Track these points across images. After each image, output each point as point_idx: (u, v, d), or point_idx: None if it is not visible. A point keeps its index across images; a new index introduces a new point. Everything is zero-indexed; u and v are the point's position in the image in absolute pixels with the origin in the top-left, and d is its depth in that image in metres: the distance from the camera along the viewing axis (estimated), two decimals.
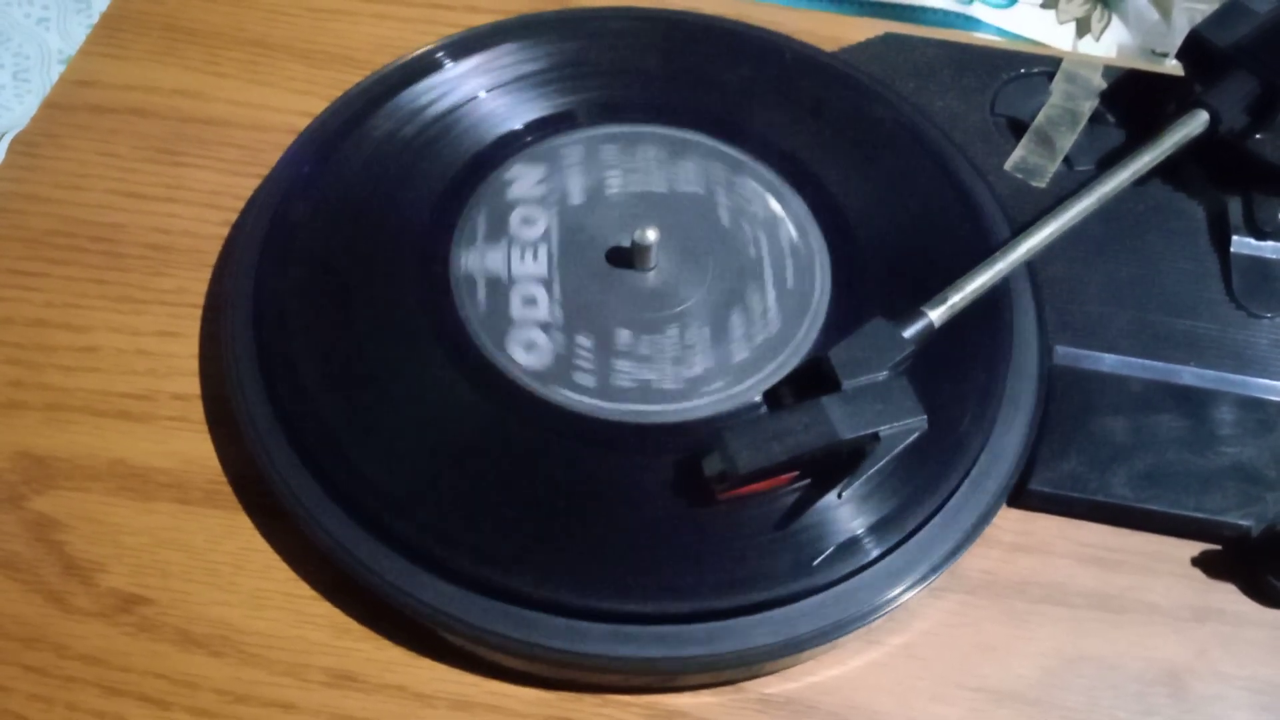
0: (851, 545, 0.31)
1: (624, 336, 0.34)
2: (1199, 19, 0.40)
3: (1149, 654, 0.33)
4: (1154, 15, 0.61)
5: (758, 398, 0.34)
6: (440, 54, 0.40)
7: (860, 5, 0.61)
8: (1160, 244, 0.39)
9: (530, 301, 0.35)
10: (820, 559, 0.30)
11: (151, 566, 0.33)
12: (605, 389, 0.33)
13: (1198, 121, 0.38)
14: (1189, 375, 0.36)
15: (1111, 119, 0.42)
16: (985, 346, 0.35)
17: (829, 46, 0.43)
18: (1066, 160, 0.40)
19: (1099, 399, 0.35)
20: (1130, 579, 0.34)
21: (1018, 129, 0.41)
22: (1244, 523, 0.33)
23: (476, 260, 0.36)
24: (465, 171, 0.38)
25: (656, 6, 0.43)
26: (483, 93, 0.39)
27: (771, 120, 0.40)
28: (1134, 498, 0.34)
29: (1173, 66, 0.42)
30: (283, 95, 0.43)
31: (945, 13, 0.61)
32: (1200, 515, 0.33)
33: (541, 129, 0.39)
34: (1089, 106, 0.42)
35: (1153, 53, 0.61)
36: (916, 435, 0.31)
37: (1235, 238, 0.39)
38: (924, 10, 0.61)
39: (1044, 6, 0.63)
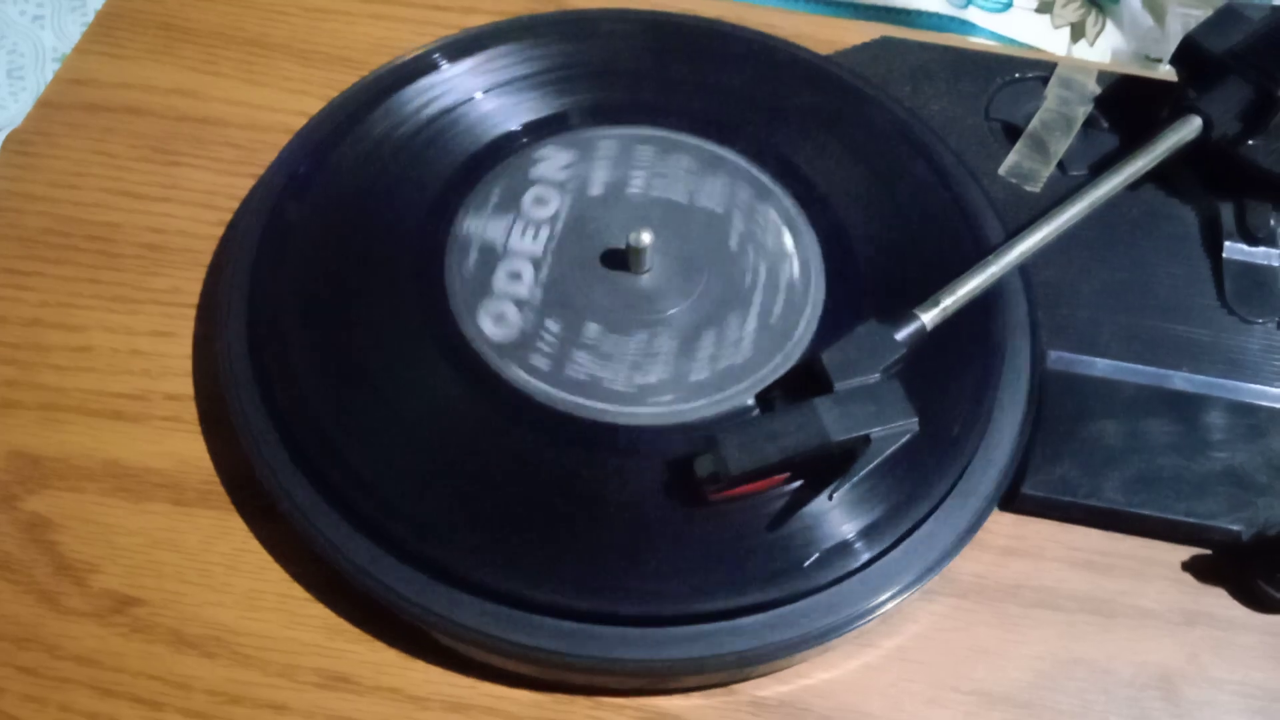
0: (843, 548, 0.31)
1: (592, 330, 0.34)
2: (1193, 25, 0.41)
3: (1141, 658, 0.33)
4: (1148, 21, 0.61)
5: (715, 412, 0.33)
6: (437, 55, 0.40)
7: (855, 9, 0.61)
8: (1153, 249, 0.39)
9: (526, 303, 0.35)
10: (811, 561, 0.30)
11: (145, 567, 0.33)
12: (600, 386, 0.33)
13: (1191, 127, 0.38)
14: (1181, 380, 0.36)
15: (1105, 124, 0.42)
16: (978, 350, 0.35)
17: (824, 50, 0.43)
18: (1060, 165, 0.41)
19: (1091, 403, 0.35)
20: (1122, 583, 0.34)
21: (1012, 133, 0.41)
22: (1235, 527, 0.33)
23: (474, 257, 0.36)
24: (460, 172, 0.38)
25: (652, 9, 0.43)
26: (479, 94, 0.40)
27: (764, 121, 0.40)
28: (1126, 502, 0.34)
29: (1167, 72, 0.42)
30: (279, 95, 0.43)
31: (940, 17, 0.61)
32: (1191, 520, 0.33)
33: (537, 131, 0.39)
34: (1083, 111, 0.42)
35: (1147, 58, 0.61)
36: (908, 437, 0.31)
37: (1227, 243, 0.39)
38: (919, 14, 0.61)
39: (1039, 11, 0.63)
